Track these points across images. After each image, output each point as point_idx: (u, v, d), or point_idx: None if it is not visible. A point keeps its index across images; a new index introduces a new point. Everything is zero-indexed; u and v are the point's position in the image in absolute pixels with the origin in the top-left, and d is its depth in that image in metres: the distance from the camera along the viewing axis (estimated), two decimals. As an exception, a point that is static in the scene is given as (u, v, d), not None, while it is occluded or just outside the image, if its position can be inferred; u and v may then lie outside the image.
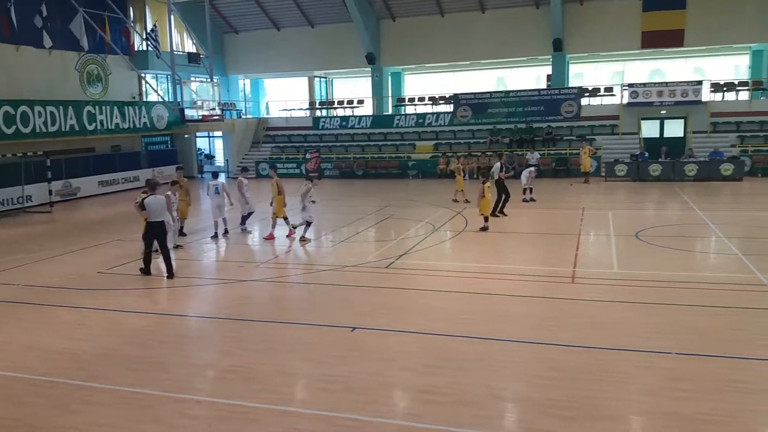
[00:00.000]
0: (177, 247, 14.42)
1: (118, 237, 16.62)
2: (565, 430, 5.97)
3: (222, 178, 15.93)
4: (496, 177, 17.93)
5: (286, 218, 15.69)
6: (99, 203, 24.81)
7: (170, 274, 12.02)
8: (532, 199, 20.65)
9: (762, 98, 29.41)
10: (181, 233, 15.90)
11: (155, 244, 12.07)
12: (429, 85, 37.49)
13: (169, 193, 13.41)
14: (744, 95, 29.83)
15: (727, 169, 24.81)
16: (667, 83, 29.45)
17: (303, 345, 8.43)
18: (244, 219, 16.81)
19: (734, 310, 9.29)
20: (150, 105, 30.15)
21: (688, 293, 10.11)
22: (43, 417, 6.56)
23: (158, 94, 33.09)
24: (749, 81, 30.10)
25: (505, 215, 17.70)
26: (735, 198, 21.22)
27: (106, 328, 9.33)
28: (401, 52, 34.82)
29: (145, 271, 12.29)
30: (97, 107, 26.56)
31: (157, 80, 34.93)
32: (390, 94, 36.49)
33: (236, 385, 7.19)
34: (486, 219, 15.93)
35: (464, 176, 22.92)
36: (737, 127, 28.37)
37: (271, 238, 15.44)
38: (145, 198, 12.00)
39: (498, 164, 18.58)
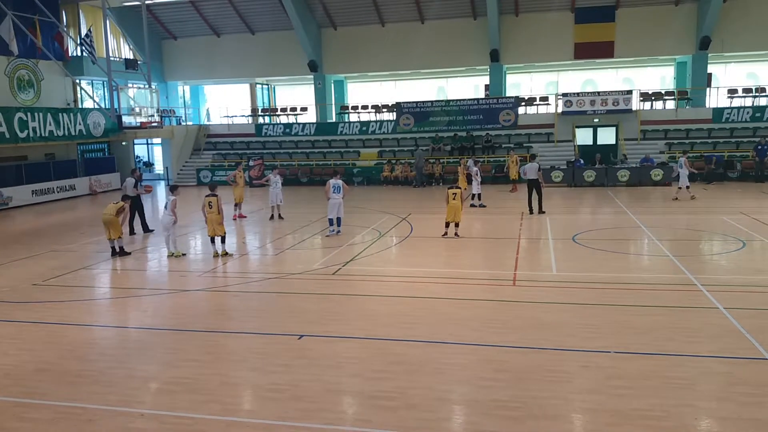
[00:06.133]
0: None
1: (53, 248, 16.04)
2: (511, 430, 6.12)
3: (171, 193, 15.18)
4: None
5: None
6: (32, 213, 23.83)
7: None
8: (482, 205, 20.97)
9: (687, 107, 30.90)
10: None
11: None
12: (371, 94, 37.67)
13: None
14: (670, 104, 31.31)
15: (657, 174, 25.91)
16: (599, 93, 30.49)
17: (249, 354, 8.34)
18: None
19: (668, 309, 9.70)
20: (86, 112, 29.22)
21: (625, 294, 10.51)
22: (-25, 436, 6.28)
23: (94, 101, 32.06)
24: (675, 91, 31.62)
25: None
26: (665, 202, 22.13)
27: (43, 341, 8.99)
28: (343, 61, 34.91)
29: None
30: (29, 114, 25.57)
31: (93, 86, 33.88)
32: (333, 102, 36.51)
33: (181, 396, 7.05)
34: (456, 225, 15.76)
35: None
36: (665, 135, 29.70)
37: None
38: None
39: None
